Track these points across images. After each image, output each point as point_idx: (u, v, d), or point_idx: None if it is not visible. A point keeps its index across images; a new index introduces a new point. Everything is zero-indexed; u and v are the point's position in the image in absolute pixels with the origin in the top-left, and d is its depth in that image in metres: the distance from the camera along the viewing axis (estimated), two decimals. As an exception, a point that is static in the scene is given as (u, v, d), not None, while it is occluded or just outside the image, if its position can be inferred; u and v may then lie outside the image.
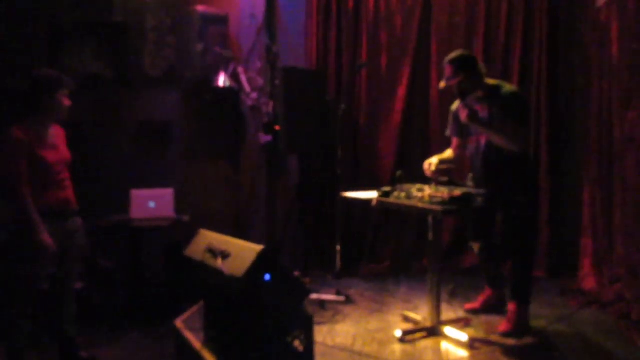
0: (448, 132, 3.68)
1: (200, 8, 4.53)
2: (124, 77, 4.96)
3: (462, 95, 3.31)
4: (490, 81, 3.39)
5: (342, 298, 3.89)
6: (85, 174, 3.25)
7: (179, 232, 4.03)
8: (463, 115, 3.25)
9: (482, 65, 3.39)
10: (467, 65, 3.30)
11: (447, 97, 4.66)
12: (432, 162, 3.46)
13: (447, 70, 3.35)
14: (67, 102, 2.97)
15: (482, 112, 3.32)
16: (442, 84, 3.40)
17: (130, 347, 3.43)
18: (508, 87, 3.36)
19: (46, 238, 2.79)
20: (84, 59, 5.00)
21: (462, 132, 3.56)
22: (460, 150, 3.63)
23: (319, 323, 3.40)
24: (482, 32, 4.73)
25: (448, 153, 3.66)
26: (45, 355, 3.23)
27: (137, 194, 4.14)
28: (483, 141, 3.36)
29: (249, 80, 4.79)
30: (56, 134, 3.02)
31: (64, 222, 2.98)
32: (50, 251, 2.81)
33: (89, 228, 3.25)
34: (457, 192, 2.98)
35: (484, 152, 3.36)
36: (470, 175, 3.55)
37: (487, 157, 3.35)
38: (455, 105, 3.54)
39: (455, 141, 3.64)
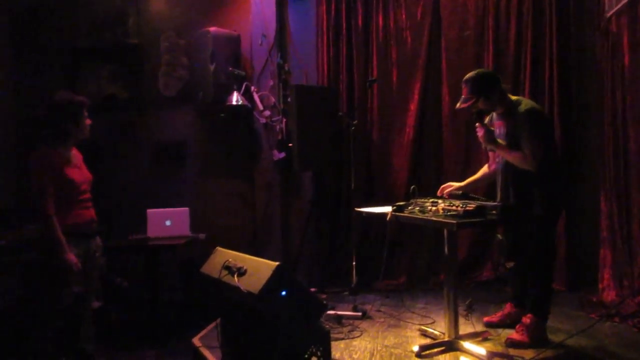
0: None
1: (212, 29, 4.61)
2: (139, 98, 5.06)
3: (479, 116, 3.28)
4: (512, 97, 3.36)
5: (358, 314, 3.87)
6: (102, 194, 3.30)
7: (195, 250, 4.07)
8: (479, 135, 3.24)
9: (502, 83, 3.35)
10: (484, 86, 3.27)
11: (458, 112, 4.67)
12: (451, 186, 3.50)
13: (464, 90, 3.33)
14: (88, 122, 3.05)
15: (501, 129, 3.31)
16: (458, 105, 3.38)
17: (147, 365, 3.45)
18: (525, 104, 3.29)
19: (71, 257, 2.84)
20: (100, 81, 5.12)
21: None
22: (492, 161, 3.63)
23: (336, 339, 3.39)
24: (491, 45, 4.73)
25: (481, 170, 3.70)
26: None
27: (153, 213, 4.19)
28: (502, 158, 3.36)
29: (262, 99, 4.85)
30: (76, 155, 3.10)
31: (89, 241, 3.03)
32: (76, 270, 2.85)
33: (107, 247, 3.29)
34: (471, 205, 2.97)
35: (503, 168, 3.36)
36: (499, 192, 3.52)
37: (505, 174, 3.34)
38: (487, 119, 3.51)
39: (492, 155, 3.62)
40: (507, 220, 3.18)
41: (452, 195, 3.46)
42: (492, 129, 3.34)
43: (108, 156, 4.95)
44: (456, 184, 3.57)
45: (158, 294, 4.23)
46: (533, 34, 4.63)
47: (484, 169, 3.70)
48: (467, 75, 3.34)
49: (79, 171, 3.04)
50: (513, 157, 3.22)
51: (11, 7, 5.08)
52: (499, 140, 3.29)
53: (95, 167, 3.32)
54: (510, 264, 3.54)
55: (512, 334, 3.26)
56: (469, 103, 3.30)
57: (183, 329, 3.66)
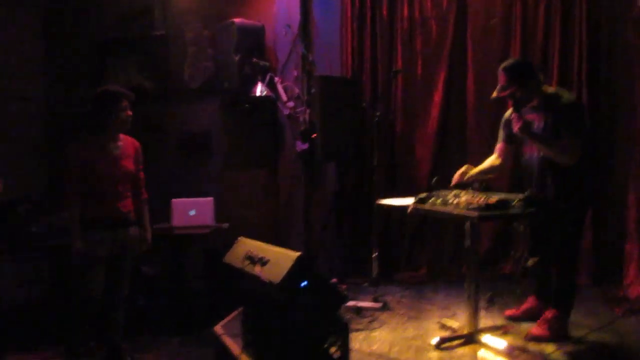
0: (498, 139, 3.60)
1: (237, 20, 4.64)
2: (164, 89, 5.13)
3: (516, 106, 3.21)
4: (548, 89, 3.29)
5: (378, 305, 3.89)
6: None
7: (218, 240, 4.13)
8: (516, 127, 3.15)
9: (539, 73, 3.28)
10: (522, 74, 3.20)
11: (484, 102, 4.63)
12: (465, 172, 3.42)
13: (501, 78, 3.25)
14: (128, 113, 3.12)
15: (538, 122, 3.22)
16: (495, 94, 3.30)
17: (171, 352, 3.54)
18: (566, 97, 3.22)
19: (78, 246, 2.96)
20: (127, 72, 5.20)
21: (511, 139, 3.47)
22: (504, 156, 3.54)
23: (356, 330, 3.42)
24: (518, 35, 4.64)
25: (489, 161, 3.57)
26: (92, 359, 3.36)
27: (178, 202, 4.27)
28: (536, 152, 3.27)
29: (286, 89, 4.87)
30: (124, 146, 3.18)
31: (114, 231, 3.11)
32: (81, 245, 2.96)
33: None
34: (494, 198, 2.95)
35: (537, 162, 3.28)
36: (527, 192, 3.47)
37: (541, 167, 3.26)
38: (509, 112, 3.45)
39: (501, 146, 3.55)
40: (531, 213, 3.14)
41: (475, 188, 3.42)
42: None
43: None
44: (476, 169, 3.48)
45: (182, 282, 4.33)
46: (562, 22, 4.51)
47: (492, 161, 3.57)
48: (505, 63, 3.28)
49: (114, 163, 3.10)
50: (553, 151, 3.12)
51: (42, 1, 5.19)
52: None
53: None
54: (533, 261, 3.50)
55: (533, 328, 3.24)
56: (507, 92, 3.22)
57: (206, 317, 3.72)
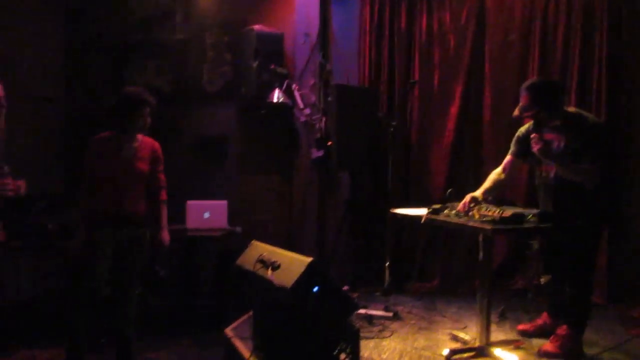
0: (510, 153, 3.53)
1: (256, 27, 4.69)
2: (183, 93, 5.20)
3: (537, 127, 3.17)
4: (570, 108, 3.26)
5: (390, 314, 3.88)
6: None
7: (231, 243, 4.15)
8: (535, 147, 3.11)
9: (563, 93, 3.26)
10: (546, 95, 3.15)
11: (500, 117, 4.63)
12: (469, 202, 3.26)
13: (523, 97, 3.20)
14: (145, 119, 3.16)
15: (557, 142, 3.17)
16: (516, 112, 3.27)
17: (180, 353, 3.55)
18: (591, 119, 3.19)
19: (82, 238, 3.03)
20: (146, 75, 5.27)
21: (523, 155, 3.43)
22: (511, 171, 3.50)
23: (366, 338, 3.41)
24: (537, 51, 4.63)
25: (493, 178, 3.48)
26: (101, 356, 3.39)
27: (193, 204, 4.30)
28: (553, 172, 3.23)
29: (303, 97, 4.90)
30: (141, 147, 3.20)
31: (116, 230, 3.12)
32: (82, 238, 3.03)
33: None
34: (508, 212, 2.94)
35: (554, 182, 3.23)
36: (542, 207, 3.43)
37: (558, 188, 3.22)
38: (525, 127, 3.43)
39: (510, 160, 3.50)
40: (546, 228, 3.11)
41: (489, 201, 3.40)
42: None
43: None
44: (474, 195, 3.35)
45: (194, 283, 4.35)
46: (582, 39, 4.50)
47: (497, 176, 3.49)
48: (529, 83, 3.24)
49: (126, 163, 3.13)
50: (575, 173, 3.09)
51: (66, 4, 5.29)
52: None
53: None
54: (546, 278, 3.46)
55: (546, 344, 3.21)
56: (530, 113, 3.17)
57: (217, 319, 3.74)
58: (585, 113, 3.29)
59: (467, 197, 3.29)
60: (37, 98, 4.76)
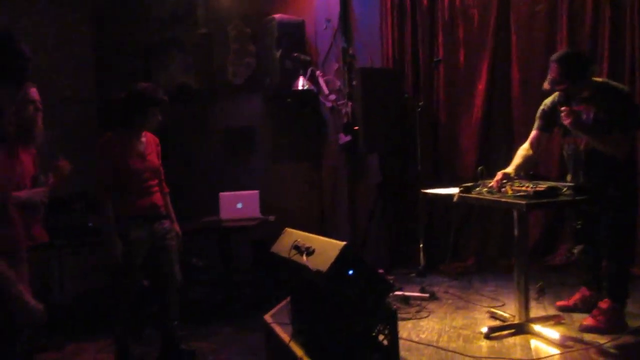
0: (535, 127, 3.45)
1: (277, 16, 4.71)
2: (209, 86, 5.27)
3: (567, 100, 3.11)
4: (598, 79, 3.19)
5: (426, 295, 3.88)
6: (177, 180, 3.48)
7: (265, 232, 4.21)
8: (567, 120, 3.05)
9: (593, 64, 3.19)
10: (577, 67, 3.08)
11: (529, 91, 4.53)
12: (501, 179, 3.20)
13: (553, 70, 3.13)
14: (157, 118, 3.16)
15: (586, 114, 3.11)
16: (546, 86, 3.21)
17: (222, 340, 3.64)
18: (619, 88, 3.12)
19: (113, 243, 2.98)
20: (172, 71, 5.36)
21: (549, 128, 3.38)
22: (537, 146, 3.43)
23: (404, 319, 3.42)
24: (565, 22, 4.48)
25: (522, 155, 3.41)
26: (148, 347, 3.50)
27: (225, 196, 4.37)
28: (583, 143, 3.17)
29: (327, 83, 4.91)
30: (147, 142, 3.24)
31: (151, 225, 3.19)
32: (117, 253, 2.99)
33: (182, 229, 3.46)
34: (542, 186, 2.89)
35: (585, 153, 3.17)
36: (569, 176, 3.38)
37: (588, 158, 3.16)
38: (550, 100, 3.36)
39: (536, 135, 3.43)
40: (582, 201, 3.06)
41: (522, 177, 3.35)
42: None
43: (181, 143, 5.19)
44: (506, 171, 3.29)
45: (231, 273, 4.43)
46: (612, 7, 4.33)
47: (526, 152, 3.41)
48: (560, 54, 3.16)
49: (141, 160, 3.16)
50: (606, 144, 3.02)
51: (93, 8, 5.40)
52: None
53: (170, 154, 3.50)
54: (579, 249, 3.41)
55: (587, 318, 3.16)
56: (561, 87, 3.11)
57: (255, 307, 3.82)
58: (613, 83, 3.21)
59: (499, 174, 3.25)
60: (70, 99, 4.89)
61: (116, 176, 3.05)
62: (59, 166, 2.67)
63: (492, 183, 3.21)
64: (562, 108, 3.09)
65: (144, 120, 3.11)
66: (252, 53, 5.17)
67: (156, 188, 3.26)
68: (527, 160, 3.40)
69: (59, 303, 4.09)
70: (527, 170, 3.40)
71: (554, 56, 3.18)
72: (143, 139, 3.22)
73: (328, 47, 4.98)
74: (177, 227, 3.38)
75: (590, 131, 3.07)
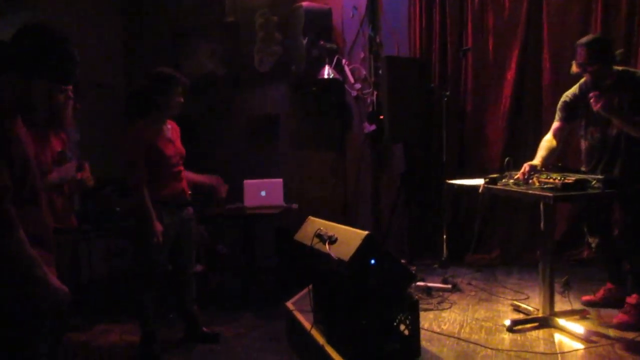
0: (559, 118, 3.42)
1: (304, 4, 4.69)
2: (235, 74, 5.29)
3: (596, 84, 3.07)
4: (617, 67, 3.14)
5: (448, 286, 3.86)
6: (202, 167, 3.52)
7: (288, 220, 4.24)
8: (597, 106, 2.99)
9: (615, 51, 3.16)
10: (605, 51, 3.07)
11: (560, 81, 4.42)
12: (528, 172, 3.16)
13: (582, 54, 3.10)
14: (178, 99, 3.17)
15: (611, 101, 3.06)
16: (575, 69, 3.17)
17: (245, 325, 3.69)
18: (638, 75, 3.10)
19: (157, 226, 3.03)
20: (199, 59, 5.40)
21: (572, 119, 3.34)
22: (560, 137, 3.38)
23: (425, 309, 3.41)
24: (600, 8, 4.35)
25: (547, 146, 3.35)
26: (172, 330, 3.57)
27: (249, 183, 4.40)
28: (613, 131, 3.12)
29: (353, 71, 4.88)
30: (172, 129, 3.29)
31: (181, 211, 3.26)
32: (161, 237, 3.04)
33: (206, 216, 3.51)
34: (571, 178, 2.84)
35: (613, 142, 3.13)
36: (583, 167, 3.32)
37: (617, 147, 3.12)
38: (571, 91, 3.33)
39: (559, 126, 3.39)
40: (611, 195, 2.99)
41: (550, 169, 3.29)
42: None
43: (207, 130, 5.24)
44: (533, 163, 3.25)
45: (254, 260, 4.48)
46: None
47: (549, 144, 3.35)
48: (586, 39, 3.13)
49: (171, 145, 3.21)
50: (636, 129, 2.97)
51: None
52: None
53: (196, 141, 3.53)
54: (594, 240, 3.36)
55: (619, 315, 3.09)
56: (592, 68, 3.07)
57: (278, 294, 3.85)
58: (632, 69, 3.19)
59: (526, 166, 3.20)
60: (100, 85, 4.97)
61: (148, 162, 3.08)
62: (83, 181, 2.71)
63: (519, 175, 3.17)
64: (591, 94, 3.04)
65: (167, 102, 3.13)
66: (278, 41, 5.16)
67: (183, 174, 3.31)
68: (551, 152, 3.35)
69: (87, 285, 4.21)
70: (554, 162, 3.34)
71: (582, 40, 3.14)
72: (169, 126, 3.26)
73: (355, 35, 4.94)
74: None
75: (623, 116, 3.02)
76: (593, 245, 3.43)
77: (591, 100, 3.02)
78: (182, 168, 3.29)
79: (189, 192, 3.34)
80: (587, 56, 3.06)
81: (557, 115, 3.42)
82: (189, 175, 3.35)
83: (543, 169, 3.21)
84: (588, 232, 3.47)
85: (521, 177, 3.16)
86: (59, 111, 2.50)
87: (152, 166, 3.09)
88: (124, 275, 4.41)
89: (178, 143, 3.29)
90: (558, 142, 3.38)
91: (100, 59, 5.11)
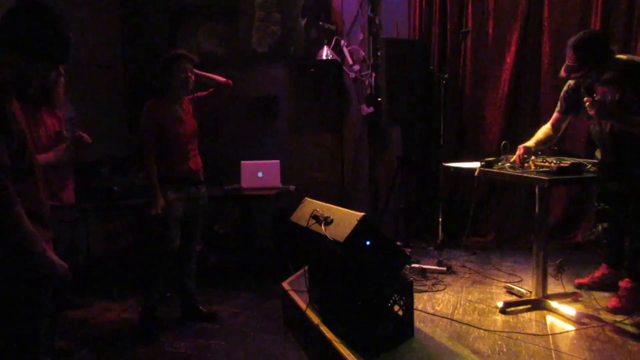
0: (559, 108, 3.41)
1: (304, -17, 4.64)
2: (234, 55, 5.25)
3: (588, 90, 2.99)
4: (621, 57, 3.04)
5: (443, 268, 3.90)
6: (200, 147, 3.52)
7: (285, 201, 4.25)
8: (591, 112, 2.91)
9: (612, 45, 3.05)
10: (594, 52, 2.95)
11: (559, 65, 4.34)
12: (523, 154, 3.20)
13: (570, 57, 3.01)
14: (186, 75, 3.20)
15: (611, 94, 2.99)
16: (563, 74, 3.11)
17: (241, 305, 3.72)
18: None
19: (159, 200, 3.12)
20: (198, 38, 5.35)
21: (573, 110, 3.31)
22: (558, 127, 3.38)
23: (420, 291, 3.45)
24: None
25: (544, 132, 3.39)
26: (171, 309, 3.61)
27: (247, 164, 4.40)
28: (608, 126, 3.07)
29: (351, 53, 4.85)
30: (186, 108, 3.32)
31: (188, 189, 3.29)
32: (160, 210, 3.11)
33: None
34: (567, 161, 2.85)
35: (610, 135, 3.09)
36: (598, 152, 3.31)
37: (613, 140, 3.08)
38: (574, 81, 3.27)
39: (557, 117, 3.38)
40: (605, 179, 3.01)
41: (546, 153, 3.30)
42: (596, 97, 2.95)
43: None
44: (527, 145, 3.29)
45: (251, 240, 4.50)
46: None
47: (547, 131, 3.37)
48: (574, 40, 3.01)
49: (181, 124, 3.25)
50: (635, 126, 2.89)
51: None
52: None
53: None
54: (602, 226, 3.37)
55: (613, 299, 3.13)
56: (578, 74, 3.01)
57: (273, 274, 3.89)
58: (636, 58, 3.08)
59: (520, 148, 3.22)
60: (97, 64, 4.94)
61: (157, 140, 3.19)
62: (82, 138, 2.72)
63: (514, 157, 3.18)
64: (585, 99, 2.97)
65: (172, 80, 3.19)
66: (277, 21, 5.12)
67: (195, 152, 3.36)
68: (547, 138, 3.36)
69: (86, 264, 4.23)
70: (549, 146, 3.35)
71: (570, 41, 3.05)
72: (183, 105, 3.30)
73: (354, 16, 4.91)
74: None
75: (616, 117, 2.96)
76: (600, 229, 3.43)
77: (586, 105, 2.95)
78: (194, 146, 3.35)
79: (200, 171, 3.37)
80: (574, 59, 2.99)
81: (558, 105, 3.41)
82: (203, 74, 3.40)
83: (539, 152, 3.21)
84: (597, 219, 3.47)
85: (517, 161, 3.17)
86: (51, 89, 2.50)
87: (162, 144, 3.20)
88: (121, 254, 4.45)
89: (191, 121, 3.32)
90: (555, 132, 3.39)
91: (98, 39, 5.07)
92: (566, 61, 3.08)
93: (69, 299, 3.61)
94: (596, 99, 2.90)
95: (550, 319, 3.00)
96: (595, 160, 2.93)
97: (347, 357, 2.40)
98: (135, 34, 5.43)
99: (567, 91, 3.33)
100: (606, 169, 3.04)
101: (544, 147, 3.32)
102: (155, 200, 3.12)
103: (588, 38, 3.00)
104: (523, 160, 3.14)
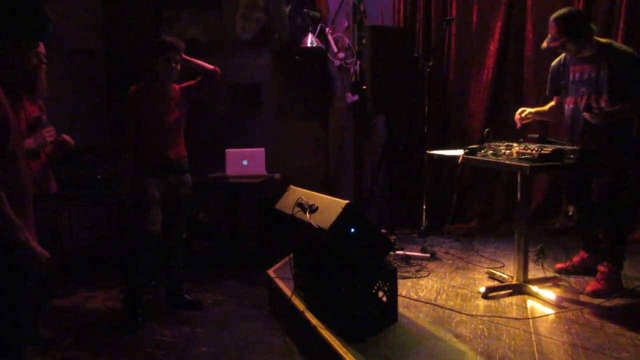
0: (547, 93, 3.52)
1: (288, -30, 4.60)
2: (217, 41, 5.20)
3: (588, 108, 3.07)
4: (600, 40, 3.17)
5: (427, 255, 3.94)
6: (184, 134, 3.50)
7: (270, 189, 4.25)
8: (595, 121, 3.02)
9: (592, 23, 3.16)
10: (574, 25, 3.08)
11: (542, 53, 4.41)
12: (526, 110, 3.44)
13: (552, 29, 3.15)
14: (170, 64, 3.19)
15: (589, 73, 3.15)
16: (545, 44, 3.22)
17: (227, 292, 3.74)
18: (626, 48, 3.11)
19: (127, 189, 3.18)
20: (181, 24, 5.29)
21: (561, 89, 3.39)
22: (557, 110, 3.47)
23: (404, 277, 3.49)
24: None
25: (549, 105, 3.54)
26: (155, 296, 3.62)
27: (231, 152, 4.40)
28: (583, 102, 3.19)
29: (336, 40, 4.84)
30: (171, 96, 3.30)
31: (167, 176, 3.27)
32: (130, 190, 3.16)
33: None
34: (548, 148, 2.89)
35: (584, 112, 3.17)
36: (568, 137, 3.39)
37: (587, 121, 3.14)
38: (556, 62, 3.40)
39: (556, 100, 3.48)
40: (586, 165, 3.06)
41: (528, 139, 3.35)
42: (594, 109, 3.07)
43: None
44: (534, 109, 3.49)
45: (236, 228, 4.51)
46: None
47: (551, 106, 3.54)
48: (556, 14, 3.16)
49: (164, 112, 3.24)
50: (626, 112, 3.02)
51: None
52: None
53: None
54: (572, 209, 3.46)
55: (592, 283, 3.21)
56: (557, 43, 3.13)
57: (259, 262, 3.91)
58: (617, 44, 3.22)
59: (520, 109, 3.45)
60: (78, 51, 4.87)
61: (138, 126, 3.19)
62: (64, 140, 2.71)
63: (516, 117, 3.44)
64: (585, 114, 3.07)
65: (156, 68, 3.19)
66: (261, 7, 5.08)
67: (179, 140, 3.35)
68: (551, 110, 3.52)
69: (68, 252, 4.21)
70: (549, 119, 3.62)
71: (552, 16, 3.17)
72: (171, 94, 3.29)
73: (338, 3, 4.88)
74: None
75: (616, 116, 3.05)
76: (571, 213, 3.53)
77: (589, 119, 3.05)
78: (177, 134, 3.33)
79: (183, 159, 3.36)
80: (556, 30, 3.12)
81: (549, 91, 3.51)
82: (192, 60, 3.39)
83: (532, 114, 3.42)
84: (567, 200, 3.56)
85: (517, 119, 3.40)
86: (32, 75, 2.47)
87: (142, 130, 3.20)
88: (104, 243, 4.42)
89: (175, 108, 3.31)
90: (554, 116, 3.52)
91: (79, 25, 4.99)
92: (548, 35, 3.18)
93: (53, 287, 3.59)
94: (594, 111, 3.01)
95: (530, 303, 3.06)
96: (576, 147, 2.98)
97: (332, 342, 2.43)
98: (117, 20, 5.34)
99: (552, 73, 3.45)
100: (588, 155, 3.09)
101: (543, 117, 3.54)
102: (124, 186, 3.20)
103: (567, 11, 3.17)
104: (522, 120, 3.38)
